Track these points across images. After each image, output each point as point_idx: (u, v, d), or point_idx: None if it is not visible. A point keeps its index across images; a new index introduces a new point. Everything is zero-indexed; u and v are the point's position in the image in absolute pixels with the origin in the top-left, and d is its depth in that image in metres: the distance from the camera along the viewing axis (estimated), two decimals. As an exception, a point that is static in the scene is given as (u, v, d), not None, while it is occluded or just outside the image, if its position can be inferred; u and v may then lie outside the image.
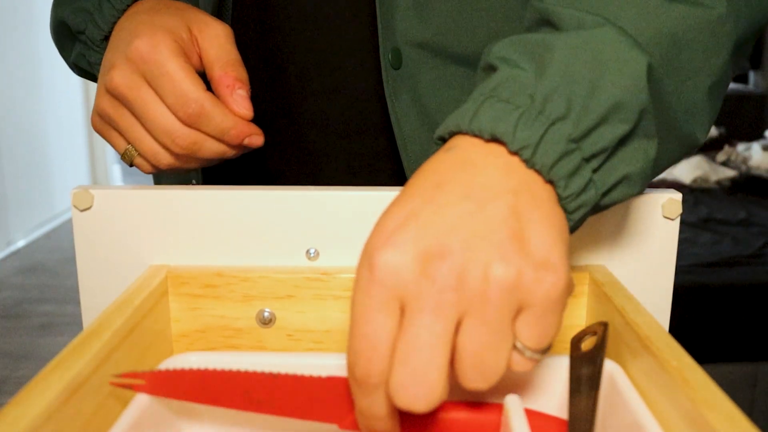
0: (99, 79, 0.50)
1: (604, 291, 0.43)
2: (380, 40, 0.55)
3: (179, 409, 0.38)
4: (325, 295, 0.45)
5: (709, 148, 3.31)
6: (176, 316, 0.45)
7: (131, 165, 0.51)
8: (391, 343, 0.30)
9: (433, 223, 0.30)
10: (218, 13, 0.59)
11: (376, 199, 0.46)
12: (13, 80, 3.59)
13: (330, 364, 0.38)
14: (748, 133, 3.52)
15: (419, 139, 0.57)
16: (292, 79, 0.62)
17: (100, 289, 0.48)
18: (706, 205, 2.61)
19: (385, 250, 0.30)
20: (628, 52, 0.35)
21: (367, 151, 0.63)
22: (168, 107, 0.46)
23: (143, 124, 0.48)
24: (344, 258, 0.47)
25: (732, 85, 3.71)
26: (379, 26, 0.55)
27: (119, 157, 0.51)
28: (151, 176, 0.63)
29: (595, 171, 0.34)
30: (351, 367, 0.31)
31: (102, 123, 0.50)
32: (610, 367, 0.37)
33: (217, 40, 0.49)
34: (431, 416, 0.36)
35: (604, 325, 0.39)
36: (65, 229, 3.90)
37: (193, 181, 0.62)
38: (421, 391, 0.29)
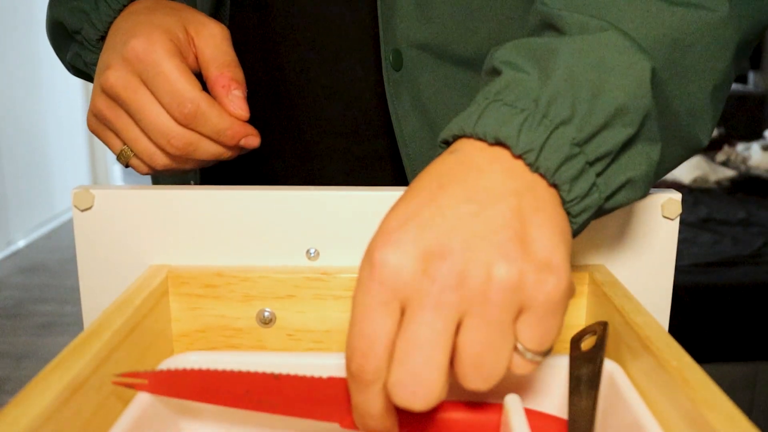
0: (95, 79, 0.49)
1: (604, 291, 0.43)
2: (381, 41, 0.55)
3: (180, 408, 0.38)
4: (325, 295, 0.45)
5: (709, 148, 3.30)
6: (176, 316, 0.45)
7: (127, 166, 0.51)
8: (389, 342, 0.30)
9: (435, 224, 0.30)
10: (216, 14, 0.59)
11: (376, 199, 0.46)
12: (13, 80, 3.59)
13: (330, 364, 0.38)
14: (748, 133, 3.53)
15: (420, 140, 0.57)
16: (292, 80, 0.62)
17: (101, 289, 0.48)
18: (706, 205, 2.61)
19: (386, 249, 0.30)
20: (632, 56, 0.35)
21: (366, 151, 0.63)
22: (164, 107, 0.46)
23: (139, 125, 0.47)
24: (344, 258, 0.47)
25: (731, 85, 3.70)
26: (380, 27, 0.55)
27: (116, 158, 0.51)
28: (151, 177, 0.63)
29: (598, 175, 0.34)
30: (347, 362, 0.31)
31: (98, 123, 0.50)
32: (610, 367, 0.37)
33: (213, 40, 0.49)
34: (430, 416, 0.36)
35: (604, 325, 0.39)
36: (65, 229, 3.90)
37: (191, 182, 0.62)
38: (420, 389, 0.29)
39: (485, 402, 0.37)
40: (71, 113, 4.17)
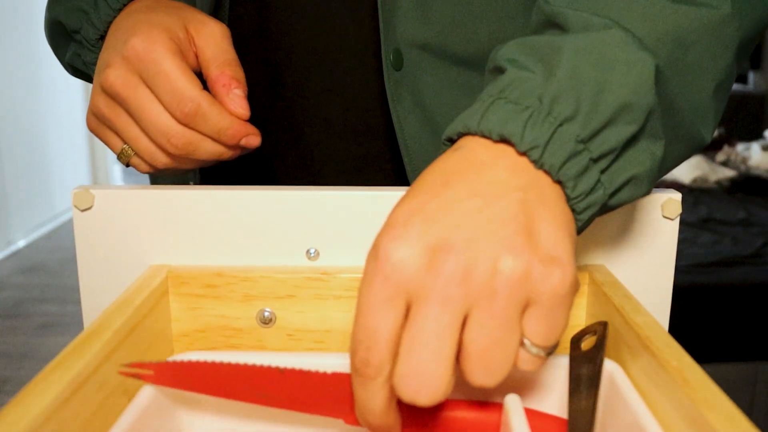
0: (94, 79, 0.49)
1: (604, 291, 0.43)
2: (382, 40, 0.55)
3: (182, 402, 0.39)
4: (326, 295, 0.45)
5: (709, 148, 3.30)
6: (177, 316, 0.45)
7: (127, 165, 0.51)
8: (393, 336, 0.30)
9: (440, 218, 0.30)
10: (215, 13, 0.59)
11: (376, 199, 0.46)
12: (13, 80, 3.59)
13: (330, 364, 0.38)
14: (748, 133, 3.53)
15: (420, 140, 0.57)
16: (292, 80, 0.62)
17: (101, 289, 0.48)
18: (706, 205, 2.61)
19: (391, 244, 0.30)
20: (635, 53, 0.35)
21: (367, 152, 0.63)
22: (164, 106, 0.46)
23: (139, 124, 0.47)
24: (344, 258, 0.47)
25: (732, 85, 3.70)
26: (381, 27, 0.55)
27: (116, 157, 0.51)
28: (151, 176, 0.63)
29: (603, 172, 0.34)
30: (351, 356, 0.31)
31: (97, 123, 0.50)
32: (610, 366, 0.37)
33: (213, 39, 0.49)
34: (433, 414, 0.36)
35: (604, 325, 0.39)
36: (65, 229, 3.90)
37: (191, 182, 0.62)
38: (426, 384, 0.29)
39: (488, 401, 0.37)
40: (71, 113, 4.17)
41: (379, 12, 0.55)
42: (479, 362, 0.30)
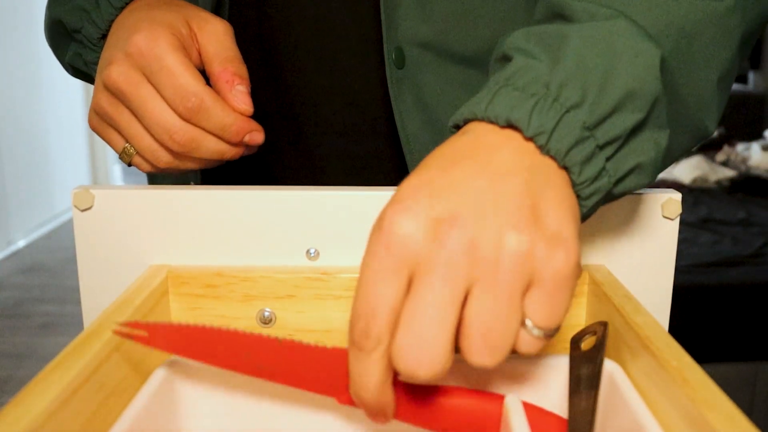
0: (96, 76, 0.49)
1: (604, 291, 0.43)
2: (384, 39, 0.55)
3: (182, 403, 0.38)
4: (325, 295, 0.45)
5: (709, 148, 3.31)
6: (177, 316, 0.45)
7: (129, 164, 0.50)
8: (394, 309, 0.30)
9: (447, 194, 0.31)
10: (216, 12, 0.59)
11: (376, 199, 0.46)
12: (13, 80, 3.59)
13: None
14: (748, 133, 3.53)
15: (422, 138, 0.57)
16: (292, 79, 0.62)
17: (101, 289, 0.48)
18: (706, 205, 2.61)
19: (397, 215, 0.30)
20: (641, 43, 0.36)
21: (367, 151, 0.63)
22: (167, 102, 0.46)
23: (141, 121, 0.47)
24: (344, 258, 0.47)
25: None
26: (383, 25, 0.55)
27: (118, 156, 0.50)
28: (151, 176, 0.63)
29: (608, 159, 0.35)
30: (350, 329, 0.31)
31: (99, 121, 0.50)
32: (610, 366, 0.37)
33: (216, 36, 0.48)
34: (428, 401, 0.35)
35: (604, 325, 0.39)
36: (65, 229, 3.90)
37: (191, 182, 0.62)
38: (425, 355, 0.29)
39: (487, 391, 0.36)
40: (71, 113, 4.17)
41: (381, 10, 0.55)
42: (479, 339, 0.30)
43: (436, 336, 0.29)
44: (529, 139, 0.33)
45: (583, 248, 0.48)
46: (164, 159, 0.48)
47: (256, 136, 0.48)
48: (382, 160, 0.63)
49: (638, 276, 0.48)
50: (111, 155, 4.63)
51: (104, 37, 0.52)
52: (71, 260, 3.24)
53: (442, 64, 0.57)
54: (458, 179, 0.31)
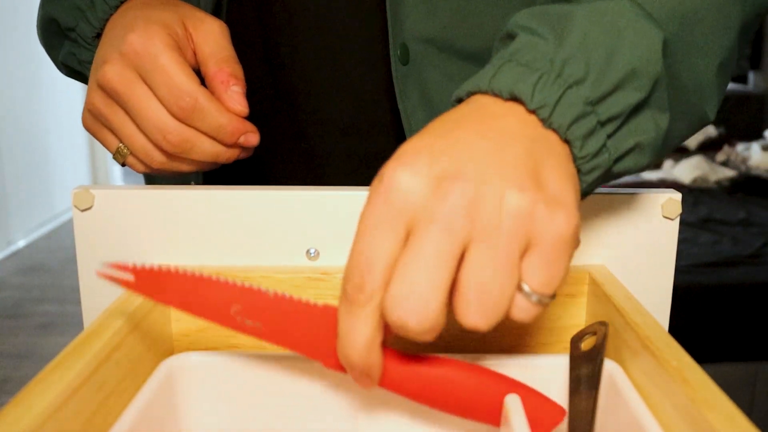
0: (90, 76, 0.48)
1: (604, 291, 0.43)
2: (390, 35, 0.55)
3: (182, 403, 0.38)
4: (325, 295, 0.45)
5: (709, 148, 3.31)
6: (177, 316, 0.45)
7: (123, 164, 0.50)
8: (389, 263, 0.29)
9: (450, 153, 0.31)
10: (216, 10, 0.59)
11: (376, 199, 0.46)
12: (13, 80, 3.59)
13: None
14: (748, 133, 3.53)
15: None
16: (293, 78, 0.62)
17: (101, 289, 0.48)
18: (706, 205, 2.61)
19: (398, 169, 0.30)
20: (645, 24, 0.36)
21: (370, 150, 0.63)
22: (161, 101, 0.45)
23: (135, 120, 0.46)
24: (344, 258, 0.47)
25: (731, 86, 3.71)
26: (389, 21, 0.55)
27: (112, 156, 0.50)
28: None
29: (609, 136, 0.35)
30: (343, 283, 0.30)
31: (93, 120, 0.49)
32: (610, 367, 0.37)
33: (212, 36, 0.48)
34: (420, 370, 0.34)
35: (604, 325, 0.39)
36: (65, 229, 3.90)
37: (192, 182, 0.62)
38: (417, 306, 0.29)
39: (481, 367, 0.36)
40: (71, 113, 4.17)
41: (387, 6, 0.54)
42: (474, 299, 0.29)
43: (430, 287, 0.29)
44: (532, 111, 0.34)
45: (583, 248, 0.48)
46: (158, 159, 0.48)
47: (251, 137, 0.48)
48: (385, 159, 0.63)
49: (638, 276, 0.48)
50: (111, 155, 4.63)
51: (99, 35, 0.52)
52: (71, 260, 3.24)
53: (447, 60, 0.57)
54: (461, 141, 0.31)
